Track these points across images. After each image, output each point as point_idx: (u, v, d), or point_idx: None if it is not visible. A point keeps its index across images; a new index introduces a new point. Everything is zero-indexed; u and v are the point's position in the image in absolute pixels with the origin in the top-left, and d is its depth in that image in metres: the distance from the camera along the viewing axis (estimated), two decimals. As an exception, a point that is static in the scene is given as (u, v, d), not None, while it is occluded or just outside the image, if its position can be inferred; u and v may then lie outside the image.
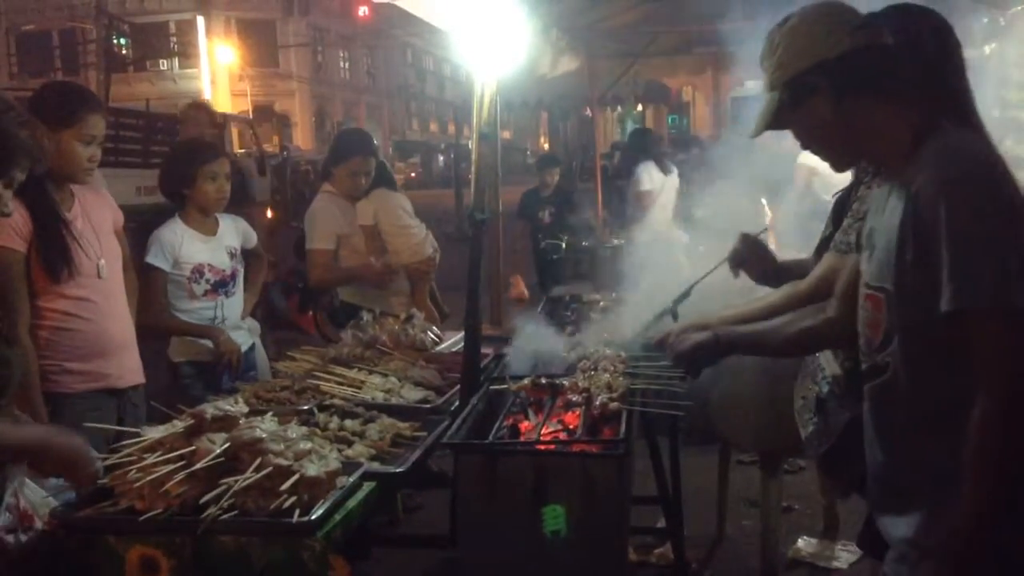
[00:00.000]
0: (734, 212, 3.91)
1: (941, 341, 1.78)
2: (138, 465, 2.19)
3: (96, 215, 3.37)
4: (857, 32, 1.94)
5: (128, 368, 3.43)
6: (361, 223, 4.81)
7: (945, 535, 1.76)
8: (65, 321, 3.20)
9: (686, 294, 3.24)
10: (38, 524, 2.18)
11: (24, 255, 3.07)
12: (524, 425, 2.80)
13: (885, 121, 1.93)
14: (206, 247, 4.02)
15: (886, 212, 1.91)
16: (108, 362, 3.32)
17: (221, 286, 4.04)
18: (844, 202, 2.78)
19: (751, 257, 2.97)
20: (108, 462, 2.24)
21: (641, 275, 3.78)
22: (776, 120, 2.03)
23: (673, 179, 8.15)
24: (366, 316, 4.25)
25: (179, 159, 4.17)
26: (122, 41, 30.72)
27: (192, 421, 2.32)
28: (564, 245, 8.22)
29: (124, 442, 2.38)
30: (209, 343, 3.95)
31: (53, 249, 3.12)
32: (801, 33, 1.98)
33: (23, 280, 3.07)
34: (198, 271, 3.96)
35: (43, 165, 2.47)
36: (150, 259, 3.84)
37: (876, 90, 1.93)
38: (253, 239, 4.39)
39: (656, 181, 8.05)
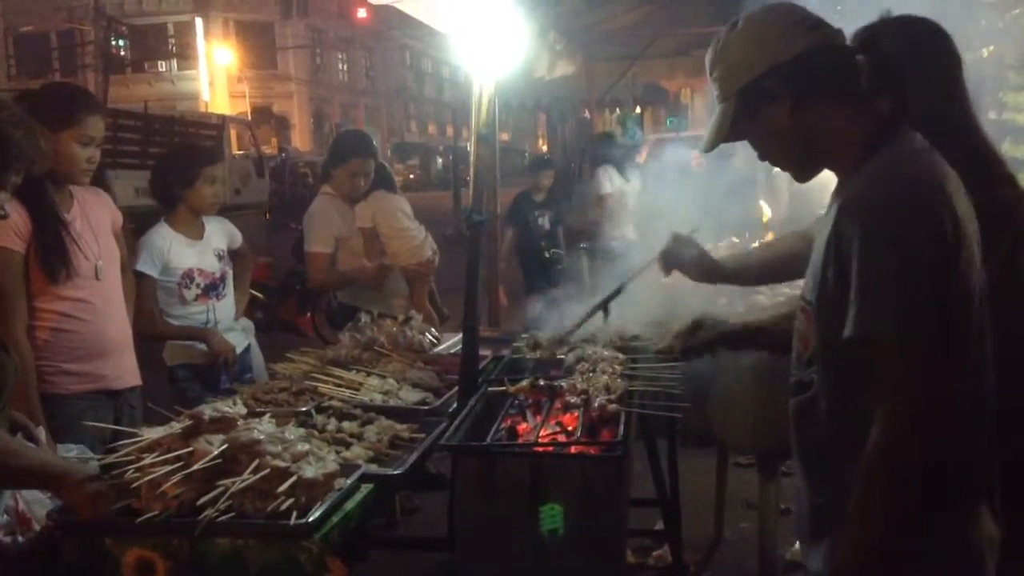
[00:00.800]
0: (694, 216, 3.91)
1: (852, 363, 1.71)
2: (135, 465, 2.19)
3: (95, 216, 3.36)
4: (812, 32, 1.82)
5: (125, 369, 3.43)
6: (360, 225, 4.81)
7: (832, 568, 1.71)
8: (62, 322, 3.19)
9: (617, 291, 3.39)
10: (35, 526, 2.18)
11: (23, 255, 3.07)
12: (522, 427, 2.79)
13: (841, 127, 1.82)
14: (194, 251, 4.02)
15: (824, 223, 1.81)
16: (105, 363, 3.32)
17: (212, 289, 4.05)
18: None
19: (685, 257, 2.94)
20: (104, 462, 2.23)
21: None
22: (731, 132, 1.91)
23: (634, 185, 8.13)
24: (364, 318, 4.25)
25: (180, 160, 4.17)
26: (120, 43, 30.77)
27: (190, 422, 2.32)
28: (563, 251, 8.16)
29: (122, 442, 2.37)
30: (203, 345, 3.95)
31: (51, 250, 3.12)
32: (752, 37, 1.86)
33: (21, 281, 3.06)
34: (188, 276, 3.96)
35: (41, 166, 2.45)
36: (140, 266, 3.83)
37: (835, 93, 1.81)
38: (238, 239, 4.38)
39: (616, 185, 8.06)
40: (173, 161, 4.19)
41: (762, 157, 1.97)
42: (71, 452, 2.55)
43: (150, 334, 3.88)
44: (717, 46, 1.92)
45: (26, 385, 2.94)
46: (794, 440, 1.94)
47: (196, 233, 4.07)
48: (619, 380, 2.93)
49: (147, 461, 2.19)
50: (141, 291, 3.79)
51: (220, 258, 4.13)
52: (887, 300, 1.61)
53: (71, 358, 3.21)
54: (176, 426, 2.36)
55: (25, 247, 3.07)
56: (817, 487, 1.87)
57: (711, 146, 1.96)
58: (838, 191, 1.84)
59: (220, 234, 4.21)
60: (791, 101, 1.81)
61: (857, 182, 1.74)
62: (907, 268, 1.60)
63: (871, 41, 1.89)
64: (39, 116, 2.98)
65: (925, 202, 1.65)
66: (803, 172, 1.94)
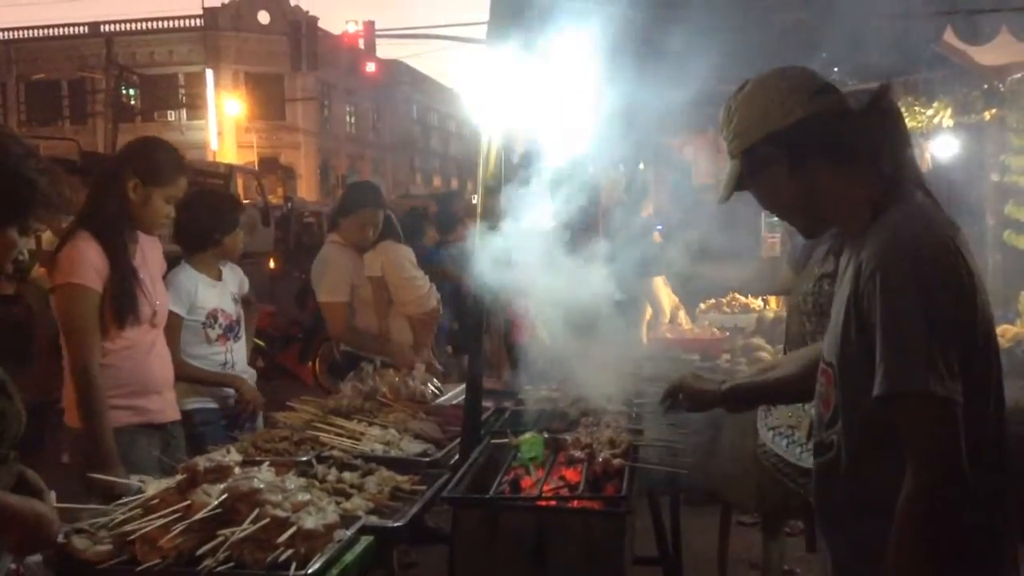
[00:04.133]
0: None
1: (878, 423, 1.73)
2: (135, 523, 2.16)
3: (152, 262, 3.50)
4: (814, 99, 1.90)
5: (169, 404, 3.53)
6: (369, 274, 4.83)
7: None
8: (117, 360, 3.29)
9: None
10: None
11: (100, 295, 3.19)
12: (525, 481, 2.77)
13: (844, 189, 1.89)
14: (216, 292, 4.06)
15: (843, 283, 1.87)
16: (151, 399, 3.42)
17: (230, 331, 4.08)
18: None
19: (702, 396, 2.59)
20: (111, 520, 2.22)
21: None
22: (738, 186, 2.01)
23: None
24: (366, 367, 4.24)
25: (221, 206, 4.23)
26: (131, 92, 31.15)
27: (184, 476, 2.30)
28: None
29: (124, 500, 2.35)
30: (229, 391, 3.97)
31: (123, 296, 3.25)
32: (755, 102, 1.95)
33: (97, 318, 3.19)
34: (212, 316, 4.00)
35: (64, 214, 2.50)
36: (171, 306, 3.85)
37: (833, 158, 1.88)
38: (247, 286, 4.41)
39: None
40: (215, 207, 4.22)
41: (769, 209, 2.08)
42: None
43: (179, 375, 3.88)
44: (727, 107, 2.01)
45: (99, 418, 3.09)
46: (816, 501, 1.96)
47: (216, 275, 4.13)
48: (624, 434, 2.91)
49: (148, 519, 2.16)
50: (170, 330, 3.80)
51: (235, 301, 4.18)
52: (916, 358, 1.64)
53: (122, 394, 3.30)
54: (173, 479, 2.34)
55: (102, 288, 3.20)
56: (841, 549, 1.88)
57: (723, 199, 2.06)
58: (851, 250, 1.88)
59: (234, 278, 4.26)
60: (789, 165, 1.90)
61: (871, 241, 1.77)
62: (933, 325, 1.65)
63: (874, 103, 1.93)
64: (137, 168, 3.26)
65: (943, 258, 1.71)
66: (808, 229, 2.03)
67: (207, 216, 4.13)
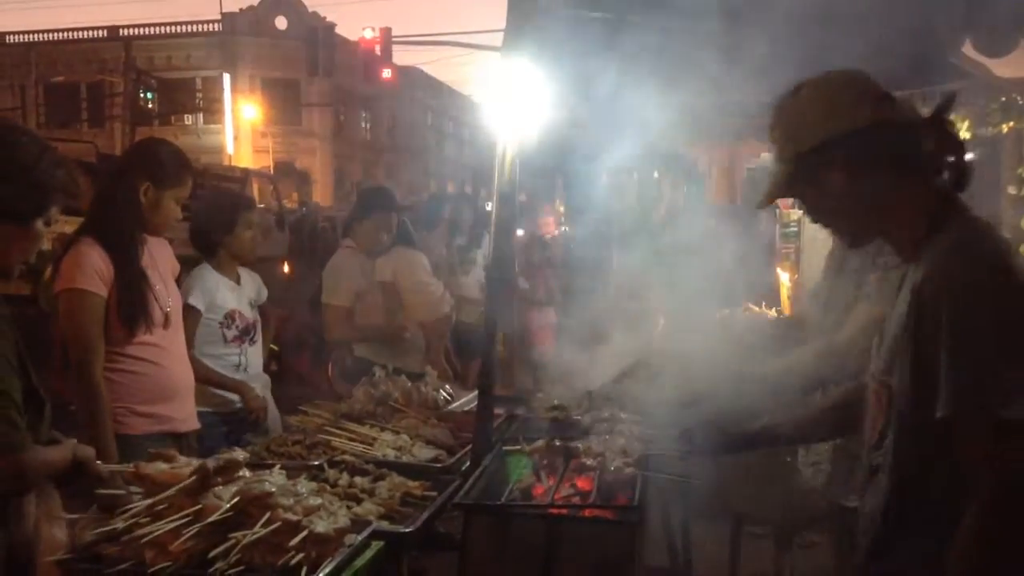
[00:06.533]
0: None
1: (932, 445, 1.71)
2: (146, 528, 2.17)
3: (162, 264, 3.49)
4: (877, 106, 1.85)
5: (188, 412, 3.53)
6: (379, 279, 4.84)
7: None
8: (133, 366, 3.30)
9: None
10: None
11: (105, 300, 3.19)
12: (537, 488, 2.76)
13: (901, 201, 1.84)
14: (234, 295, 4.09)
15: (898, 301, 1.82)
16: (171, 406, 3.42)
17: (246, 333, 4.10)
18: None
19: (711, 442, 2.54)
20: (122, 526, 2.23)
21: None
22: (787, 190, 1.96)
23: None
24: (379, 372, 4.25)
25: (220, 207, 4.24)
26: (148, 95, 31.30)
27: (194, 478, 2.30)
28: None
29: (133, 505, 2.36)
30: (234, 397, 3.98)
31: (132, 301, 3.25)
32: (816, 104, 1.89)
33: (101, 325, 3.18)
34: (230, 317, 4.03)
35: (78, 201, 2.57)
36: (191, 300, 3.87)
37: (893, 168, 1.84)
38: (264, 295, 4.44)
39: None
40: (213, 208, 4.25)
41: (814, 220, 2.00)
42: None
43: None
44: (779, 108, 1.96)
45: (101, 425, 3.09)
46: (864, 523, 1.92)
47: (235, 278, 4.16)
48: (636, 443, 2.90)
49: (159, 524, 2.16)
50: (186, 326, 3.82)
51: (252, 306, 4.21)
52: (984, 378, 1.62)
53: (140, 400, 3.31)
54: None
55: (107, 293, 3.19)
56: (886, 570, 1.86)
57: (767, 203, 2.01)
58: (904, 264, 1.86)
59: (252, 284, 4.30)
60: (849, 172, 1.84)
61: (933, 257, 1.74)
62: (1002, 343, 1.62)
63: (937, 116, 1.88)
64: (148, 170, 3.28)
65: (1010, 275, 1.69)
66: (856, 239, 1.98)
67: (204, 219, 4.17)
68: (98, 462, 2.38)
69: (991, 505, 1.63)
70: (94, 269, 3.15)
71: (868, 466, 1.88)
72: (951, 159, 1.86)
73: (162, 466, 2.35)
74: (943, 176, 1.85)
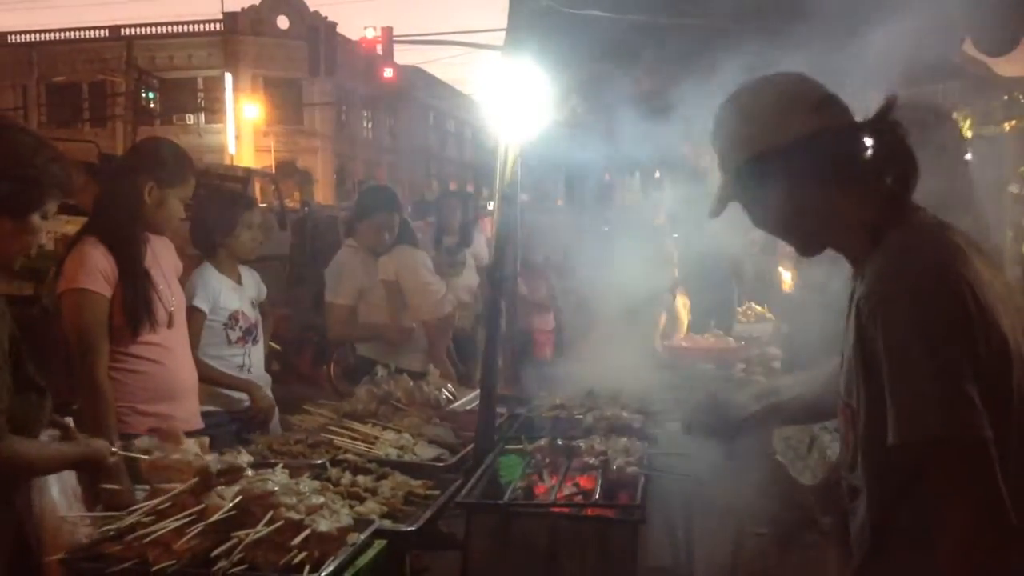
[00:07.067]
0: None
1: (899, 468, 1.63)
2: (149, 528, 2.17)
3: (165, 263, 3.50)
4: (815, 114, 1.76)
5: (191, 412, 3.53)
6: (382, 278, 4.85)
7: None
8: (137, 365, 3.30)
9: None
10: None
11: (108, 300, 3.19)
12: (539, 487, 2.77)
13: (841, 211, 1.76)
14: (236, 295, 4.09)
15: (849, 319, 1.73)
16: (174, 406, 3.42)
17: (249, 334, 4.11)
18: None
19: (715, 425, 2.50)
20: (124, 525, 2.24)
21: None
22: (729, 200, 1.87)
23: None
24: (381, 371, 4.25)
25: (220, 207, 4.24)
26: (150, 95, 31.32)
27: (197, 479, 2.31)
28: None
29: (138, 506, 2.37)
30: (242, 396, 3.98)
31: (136, 301, 3.25)
32: (751, 115, 1.81)
33: (105, 324, 3.19)
34: (234, 318, 4.03)
35: (73, 195, 2.60)
36: (196, 302, 3.87)
37: (832, 177, 1.75)
38: (264, 294, 4.45)
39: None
40: (213, 208, 4.26)
41: (761, 228, 1.93)
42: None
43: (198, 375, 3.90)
44: (717, 118, 1.90)
45: (106, 425, 3.08)
46: (852, 544, 1.84)
47: (236, 278, 4.16)
48: (638, 442, 2.90)
49: (161, 524, 2.17)
50: (190, 327, 3.83)
51: (254, 306, 4.21)
52: (927, 403, 1.53)
53: (144, 400, 3.31)
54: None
55: (111, 292, 3.19)
56: None
57: (714, 214, 1.92)
58: (854, 278, 1.78)
59: (253, 284, 4.30)
60: (787, 183, 1.76)
61: (870, 273, 1.67)
62: (939, 365, 1.53)
63: (878, 120, 1.79)
64: (150, 171, 3.28)
65: (943, 288, 1.58)
66: (804, 248, 1.91)
67: (203, 219, 4.17)
68: (114, 449, 2.45)
69: (963, 534, 1.54)
70: (98, 269, 3.16)
71: (850, 485, 1.81)
72: (895, 162, 1.77)
73: (174, 456, 2.37)
74: (889, 180, 1.77)
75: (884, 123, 1.78)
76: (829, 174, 1.75)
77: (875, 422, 1.62)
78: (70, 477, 2.42)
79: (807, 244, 1.89)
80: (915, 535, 1.63)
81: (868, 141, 1.78)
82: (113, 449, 2.46)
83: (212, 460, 2.38)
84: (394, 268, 4.86)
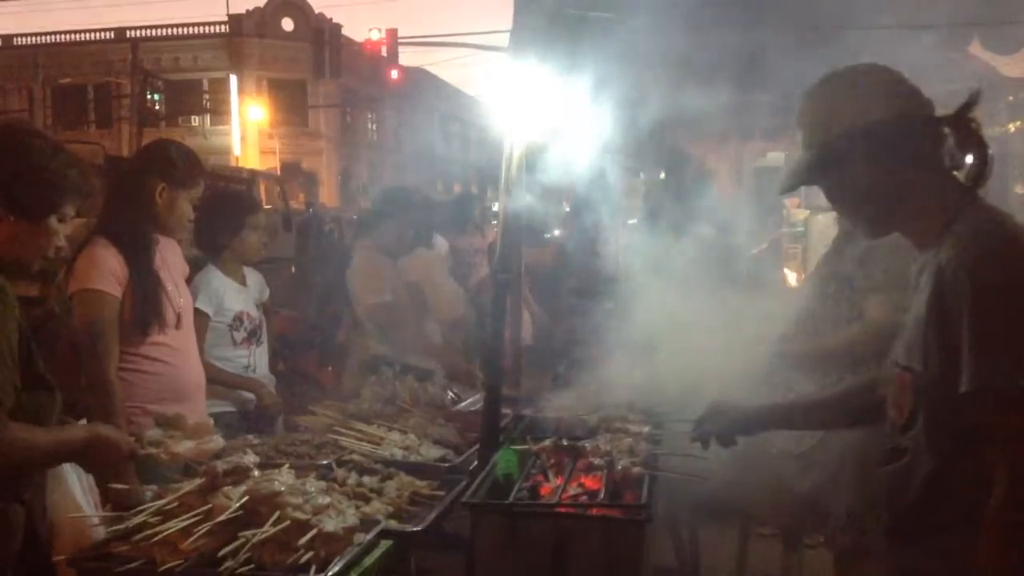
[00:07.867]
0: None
1: (963, 426, 1.72)
2: (156, 528, 2.18)
3: (172, 264, 3.50)
4: (903, 100, 1.89)
5: (199, 412, 3.50)
6: (408, 279, 4.85)
7: None
8: (145, 365, 3.31)
9: None
10: None
11: (119, 301, 3.20)
12: (545, 488, 2.77)
13: (920, 193, 1.87)
14: (241, 296, 4.10)
15: (918, 289, 1.85)
16: (182, 406, 3.38)
17: (253, 335, 4.11)
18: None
19: (725, 426, 2.52)
20: (127, 524, 2.25)
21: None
22: (810, 177, 1.98)
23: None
24: (386, 371, 4.25)
25: (225, 209, 4.24)
26: (155, 97, 31.38)
27: (204, 479, 2.32)
28: None
29: (144, 506, 2.37)
30: (248, 394, 3.99)
31: (146, 302, 3.25)
32: (845, 94, 1.93)
33: (116, 325, 3.19)
34: (238, 319, 4.03)
35: (90, 199, 2.62)
36: (200, 304, 3.88)
37: (915, 161, 1.87)
38: (267, 294, 4.44)
39: None
40: (218, 210, 4.25)
41: (835, 207, 2.03)
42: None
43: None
44: (808, 96, 1.99)
45: (115, 425, 3.00)
46: (884, 508, 1.93)
47: (241, 279, 4.16)
48: (643, 443, 2.90)
49: (168, 524, 2.18)
50: (196, 330, 3.83)
51: (258, 307, 4.21)
52: (1008, 352, 1.64)
53: (152, 400, 3.30)
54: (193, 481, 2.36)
55: (121, 293, 3.20)
56: (914, 558, 1.86)
57: (787, 189, 2.04)
58: (923, 257, 1.88)
59: (257, 285, 4.30)
60: (873, 162, 1.87)
61: (953, 244, 1.77)
62: (1018, 320, 1.64)
63: (961, 113, 1.90)
64: (161, 173, 3.29)
65: None
66: (876, 228, 2.00)
67: (209, 221, 4.17)
68: (131, 438, 2.47)
69: (1016, 490, 1.63)
70: (109, 270, 3.17)
71: (895, 447, 1.89)
72: (971, 156, 1.88)
73: (188, 443, 2.38)
74: (962, 172, 1.88)
75: (963, 117, 1.89)
76: (911, 157, 1.87)
77: (947, 375, 1.71)
78: (87, 476, 2.43)
79: (880, 223, 1.98)
80: (968, 489, 1.71)
81: (947, 132, 1.89)
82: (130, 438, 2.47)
83: (219, 461, 2.39)
84: (419, 270, 4.88)
